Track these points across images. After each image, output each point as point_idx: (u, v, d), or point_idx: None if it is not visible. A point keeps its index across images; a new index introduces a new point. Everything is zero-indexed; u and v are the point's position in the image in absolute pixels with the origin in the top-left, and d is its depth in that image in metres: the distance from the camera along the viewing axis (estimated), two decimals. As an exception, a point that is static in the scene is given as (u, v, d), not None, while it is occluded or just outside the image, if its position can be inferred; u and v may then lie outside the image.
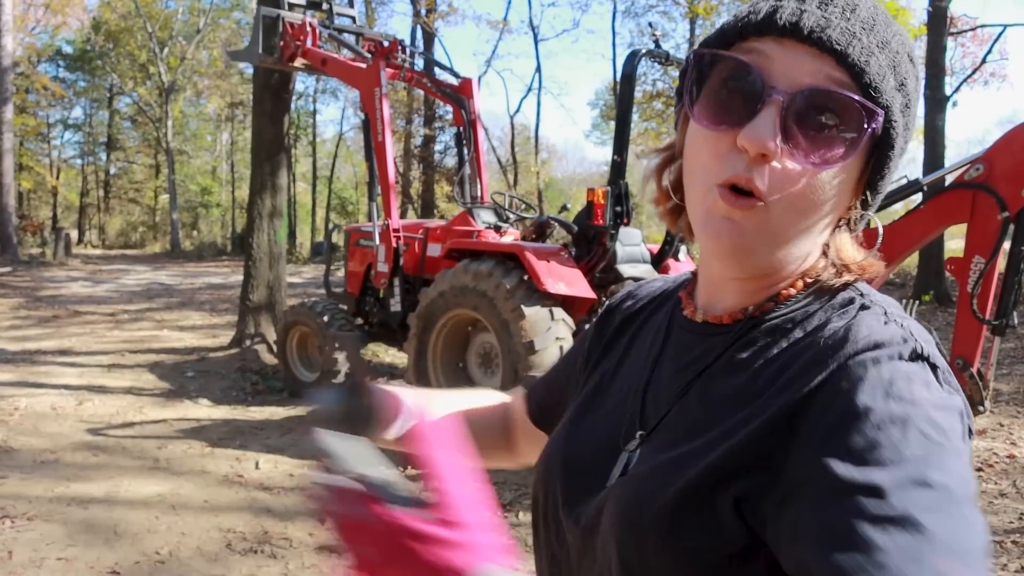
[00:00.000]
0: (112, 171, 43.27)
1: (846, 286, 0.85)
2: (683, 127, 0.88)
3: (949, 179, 4.93)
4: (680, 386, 0.90)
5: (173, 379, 8.84)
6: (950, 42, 19.50)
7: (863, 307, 0.81)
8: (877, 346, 0.75)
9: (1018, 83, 71.68)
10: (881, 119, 0.78)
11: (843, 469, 0.67)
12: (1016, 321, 4.70)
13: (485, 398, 1.33)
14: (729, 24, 0.82)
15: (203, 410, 7.59)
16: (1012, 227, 4.54)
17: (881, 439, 0.68)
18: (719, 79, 0.81)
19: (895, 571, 0.61)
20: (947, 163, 15.20)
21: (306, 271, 25.72)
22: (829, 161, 0.77)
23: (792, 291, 0.86)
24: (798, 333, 0.82)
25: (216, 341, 11.17)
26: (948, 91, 18.32)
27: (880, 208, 0.92)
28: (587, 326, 1.18)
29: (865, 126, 0.77)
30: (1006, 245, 4.63)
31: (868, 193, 0.83)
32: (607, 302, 1.16)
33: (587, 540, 0.89)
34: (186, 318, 14.24)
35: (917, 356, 0.75)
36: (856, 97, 0.77)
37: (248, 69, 34.00)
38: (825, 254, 0.85)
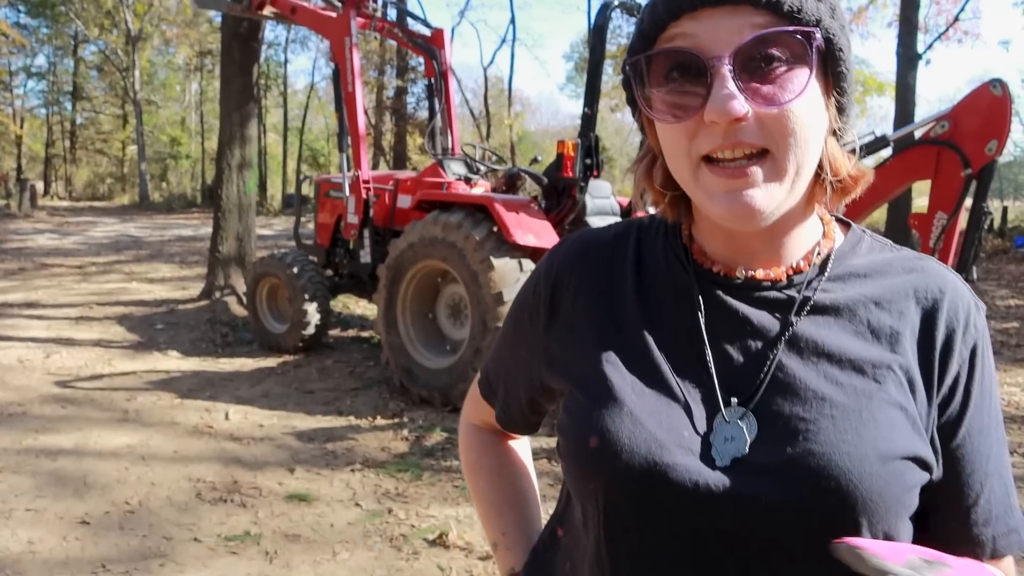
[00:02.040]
0: (78, 121, 42.55)
1: (858, 233, 0.97)
2: (650, 129, 0.91)
3: (918, 135, 4.97)
4: (770, 347, 0.89)
5: (142, 331, 8.79)
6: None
7: (916, 256, 0.95)
8: (970, 299, 0.93)
9: (991, 41, 71.79)
10: (819, 33, 0.80)
11: (981, 388, 0.91)
12: (976, 276, 4.78)
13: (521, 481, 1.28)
14: (646, 23, 0.84)
15: (172, 362, 7.57)
16: (975, 184, 4.60)
17: (990, 367, 0.93)
18: (662, 76, 0.83)
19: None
20: (917, 120, 15.27)
21: (277, 223, 25.54)
22: (797, 90, 0.80)
23: (826, 242, 0.94)
24: (879, 284, 0.92)
25: (186, 293, 11.11)
26: (921, 48, 18.32)
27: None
28: (524, 292, 1.10)
29: (808, 47, 0.80)
30: (968, 202, 4.69)
31: (839, 98, 0.86)
32: (547, 266, 1.07)
33: (771, 522, 0.83)
34: (155, 270, 14.15)
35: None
36: (788, 28, 0.79)
37: (217, 17, 33.41)
38: (820, 179, 0.88)
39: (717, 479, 0.84)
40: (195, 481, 4.68)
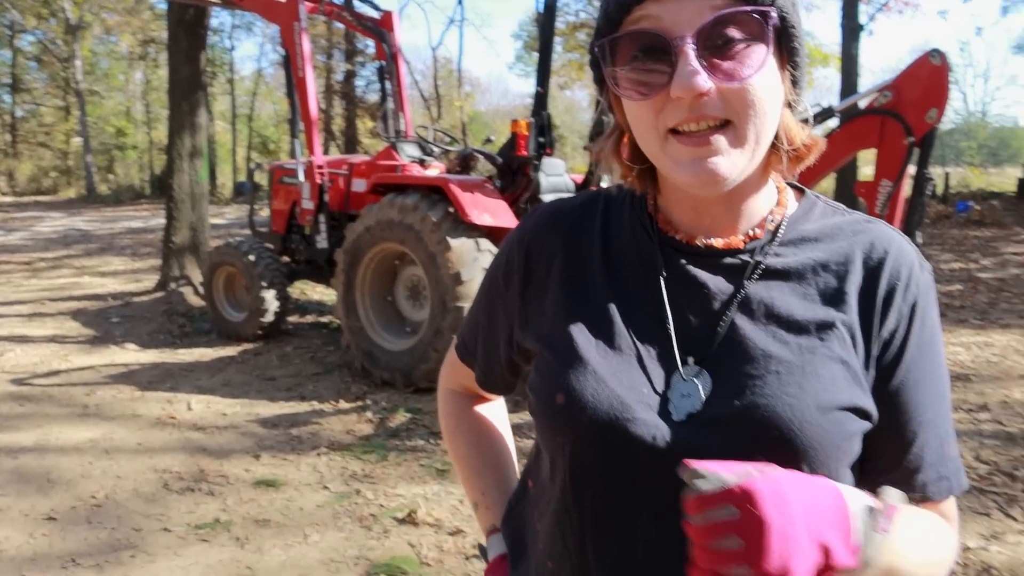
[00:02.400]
0: (19, 114, 41.45)
1: (812, 199, 1.05)
2: (617, 106, 0.97)
3: (862, 106, 5.09)
4: (725, 308, 0.97)
5: (98, 325, 8.70)
6: (865, -32, 19.73)
7: (865, 219, 1.01)
8: (914, 257, 0.99)
9: (930, 12, 72.96)
10: (774, 12, 0.87)
11: (920, 340, 0.97)
12: (921, 240, 4.93)
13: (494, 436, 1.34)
14: (612, 6, 0.90)
15: (131, 355, 7.51)
16: (917, 151, 4.73)
17: (932, 322, 0.99)
18: (629, 56, 0.89)
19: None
20: (861, 90, 15.51)
21: (229, 211, 25.31)
22: (756, 66, 0.87)
23: (779, 209, 1.00)
24: (829, 247, 0.98)
25: (140, 285, 10.99)
26: (864, 19, 18.59)
27: None
28: (499, 259, 1.17)
29: (765, 25, 0.86)
30: (912, 169, 4.83)
31: (794, 71, 0.93)
32: (524, 229, 1.14)
33: None
34: (107, 264, 13.95)
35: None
36: (746, 8, 0.85)
37: (161, 4, 32.76)
38: (776, 148, 0.95)
39: (673, 432, 0.91)
40: (161, 472, 4.69)
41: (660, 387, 0.95)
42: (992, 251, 13.55)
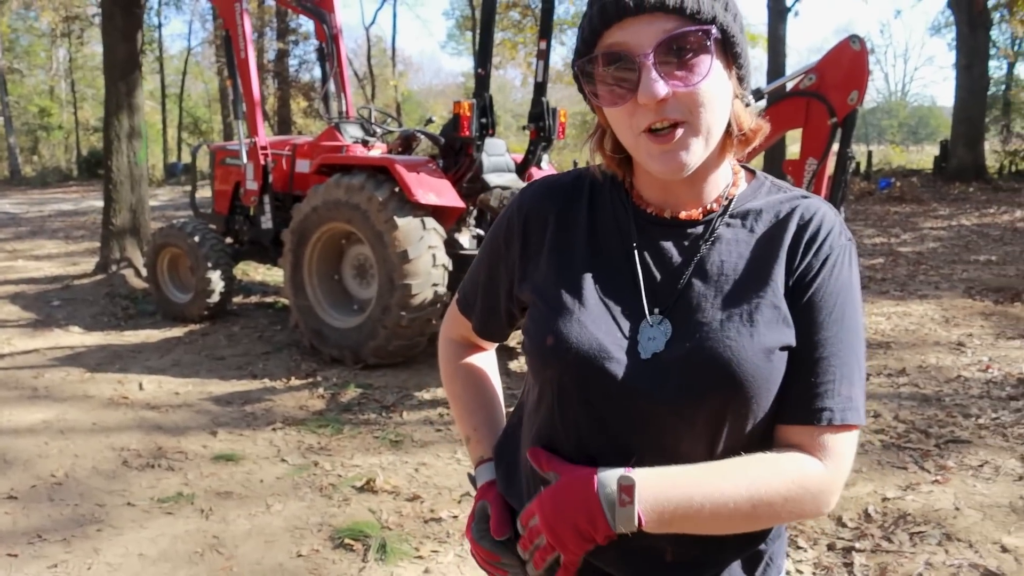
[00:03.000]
0: (-66, 93, 39.99)
1: (762, 179, 1.28)
2: (599, 110, 1.19)
3: (788, 88, 5.37)
4: (684, 268, 1.19)
5: (38, 309, 8.63)
6: (791, -49, 20.18)
7: (802, 195, 1.24)
8: (835, 224, 1.21)
9: (854, -10, 74.59)
10: (715, 28, 1.09)
11: (827, 287, 1.17)
12: (844, 215, 5.24)
13: (486, 385, 1.54)
14: (586, 31, 1.13)
15: (75, 337, 7.50)
16: (840, 131, 5.04)
17: (844, 279, 1.18)
18: (604, 71, 1.11)
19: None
20: (788, 70, 15.96)
21: (161, 193, 24.89)
22: (703, 74, 1.09)
23: (733, 189, 1.24)
24: (769, 217, 1.21)
25: (78, 268, 10.88)
26: (790, 1, 19.05)
27: None
28: (500, 225, 1.38)
29: (707, 40, 1.09)
30: (836, 148, 5.13)
31: (739, 71, 1.17)
32: (519, 203, 1.36)
33: (673, 401, 1.12)
34: (40, 247, 13.72)
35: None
36: (690, 28, 1.08)
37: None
38: (730, 134, 1.19)
39: (641, 368, 1.15)
40: (119, 450, 4.78)
41: (630, 332, 1.18)
42: (912, 226, 14.14)
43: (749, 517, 1.10)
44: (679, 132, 1.10)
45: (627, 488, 1.06)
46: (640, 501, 1.06)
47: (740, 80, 1.17)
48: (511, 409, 1.47)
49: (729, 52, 1.14)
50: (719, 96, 1.12)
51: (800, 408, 1.14)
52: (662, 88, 1.07)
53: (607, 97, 1.13)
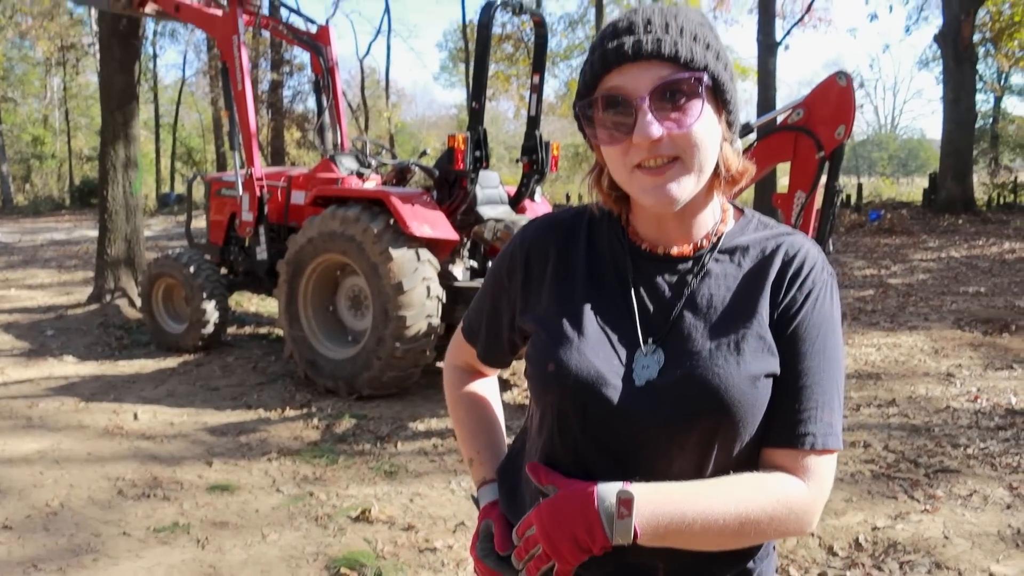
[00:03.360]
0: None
1: (749, 217, 1.35)
2: (596, 149, 1.27)
3: (778, 122, 5.47)
4: (676, 301, 1.27)
5: (32, 338, 8.65)
6: (780, -14, 20.51)
7: (787, 232, 1.31)
8: (818, 260, 1.28)
9: (841, 28, 75.76)
10: (706, 75, 1.18)
11: (810, 319, 1.24)
12: (832, 248, 5.33)
13: (488, 411, 1.60)
14: (587, 75, 1.22)
15: (69, 367, 7.52)
16: (827, 165, 5.13)
17: (825, 312, 1.26)
18: (602, 112, 1.20)
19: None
20: (778, 103, 16.19)
21: (154, 223, 24.90)
22: (695, 117, 1.18)
23: (722, 226, 1.31)
24: (756, 253, 1.29)
25: (71, 298, 10.89)
26: (780, 35, 19.31)
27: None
28: (503, 258, 1.45)
29: (699, 86, 1.18)
30: (824, 181, 5.22)
31: (728, 116, 1.25)
32: (522, 238, 1.43)
33: (666, 425, 1.20)
34: (32, 276, 13.73)
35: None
36: (684, 75, 1.17)
37: (79, 9, 32.09)
38: (717, 174, 1.27)
39: (635, 395, 1.23)
40: (114, 480, 4.80)
41: (626, 361, 1.26)
42: (901, 258, 14.26)
43: (737, 534, 1.16)
44: (672, 168, 1.18)
45: (626, 502, 1.12)
46: (637, 515, 1.12)
47: (729, 124, 1.25)
48: (512, 436, 1.54)
49: (719, 98, 1.22)
50: (709, 138, 1.20)
51: (784, 432, 1.22)
52: (657, 130, 1.15)
53: (605, 137, 1.21)
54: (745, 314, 1.24)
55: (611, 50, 1.17)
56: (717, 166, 1.25)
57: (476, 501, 1.52)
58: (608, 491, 1.14)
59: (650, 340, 1.26)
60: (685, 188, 1.19)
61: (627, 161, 1.19)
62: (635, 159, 1.18)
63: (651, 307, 1.29)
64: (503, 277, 1.45)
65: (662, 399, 1.21)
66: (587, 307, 1.31)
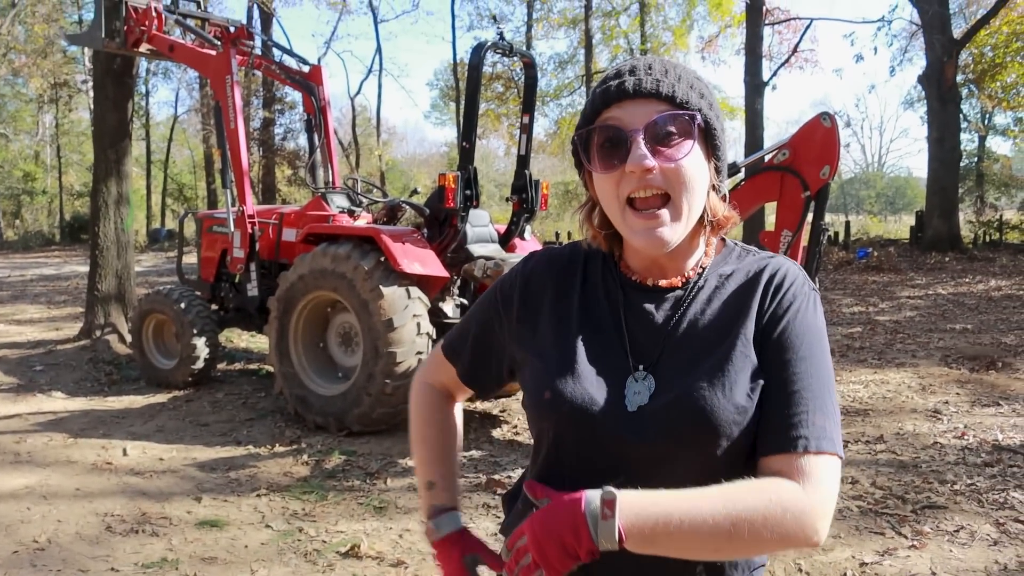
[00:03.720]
0: (-81, 157, 40.08)
1: (731, 246, 1.42)
2: (589, 183, 1.35)
3: (766, 160, 5.56)
4: (665, 329, 1.33)
5: (20, 373, 8.63)
6: (768, 30, 20.84)
7: (768, 256, 1.38)
8: (798, 276, 1.35)
9: (827, 68, 76.91)
10: (699, 116, 1.27)
11: (792, 327, 1.30)
12: (818, 285, 5.38)
13: (442, 427, 1.61)
14: (588, 109, 1.32)
15: (58, 402, 7.50)
16: (813, 204, 5.21)
17: (808, 320, 1.31)
18: (599, 142, 1.28)
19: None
20: (766, 142, 16.37)
21: (144, 259, 24.91)
22: (685, 152, 1.26)
23: (707, 259, 1.38)
24: (739, 278, 1.35)
25: (61, 334, 10.88)
26: (767, 75, 19.58)
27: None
28: (501, 286, 1.51)
29: (692, 125, 1.26)
30: (810, 219, 5.30)
31: (717, 162, 1.33)
32: (521, 270, 1.49)
33: (658, 447, 1.25)
34: (21, 311, 13.72)
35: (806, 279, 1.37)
36: (679, 112, 1.26)
37: (72, 48, 32.30)
38: (702, 220, 1.34)
39: (627, 419, 1.28)
40: (103, 515, 4.78)
41: (618, 387, 1.31)
42: (889, 295, 14.37)
43: (731, 536, 1.13)
44: (663, 211, 1.25)
45: (609, 502, 1.15)
46: (621, 515, 1.12)
47: (717, 171, 1.33)
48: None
49: (709, 142, 1.30)
50: (698, 178, 1.28)
51: (777, 438, 1.23)
52: (648, 160, 1.23)
53: (600, 165, 1.29)
54: (731, 336, 1.30)
55: (613, 87, 1.27)
56: (704, 212, 1.32)
57: (435, 530, 1.50)
58: (594, 494, 1.17)
59: (640, 367, 1.32)
60: (675, 231, 1.26)
61: (620, 193, 1.27)
62: (626, 190, 1.26)
63: (641, 335, 1.34)
64: (497, 304, 1.50)
65: (653, 423, 1.26)
66: (581, 337, 1.37)
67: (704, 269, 1.38)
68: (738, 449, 1.26)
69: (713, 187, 1.33)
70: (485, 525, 4.58)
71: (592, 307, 1.41)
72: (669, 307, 1.35)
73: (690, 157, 1.25)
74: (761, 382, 1.27)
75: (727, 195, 1.38)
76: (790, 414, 1.23)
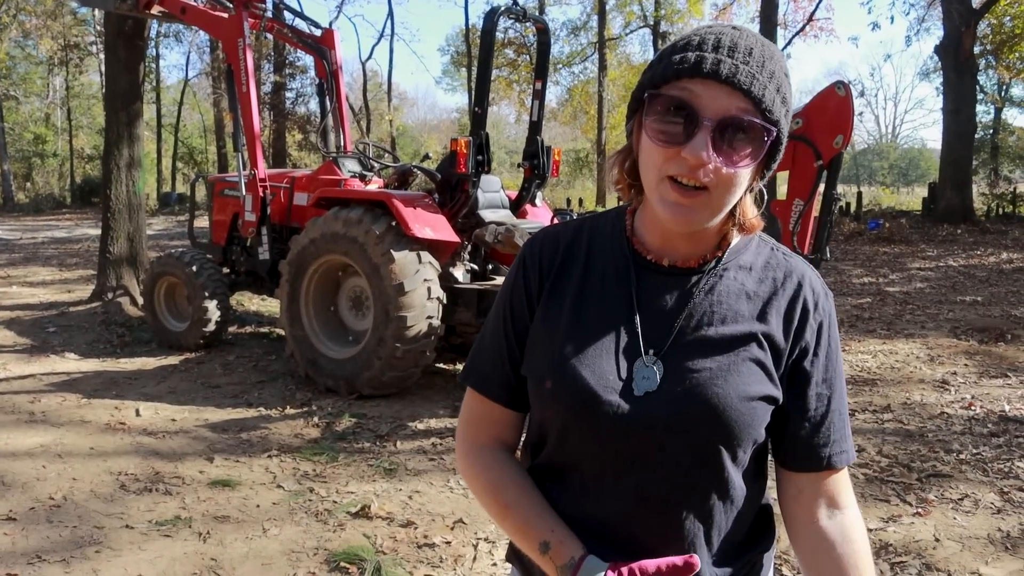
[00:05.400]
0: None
1: (752, 236, 1.34)
2: (636, 135, 1.25)
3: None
4: (678, 313, 1.28)
5: (34, 335, 8.71)
6: (782, -4, 20.59)
7: (786, 255, 1.35)
8: (820, 288, 1.34)
9: (843, 36, 75.94)
10: (775, 131, 1.19)
11: (826, 350, 1.32)
12: (829, 255, 5.40)
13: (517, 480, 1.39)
14: (670, 68, 1.18)
15: (71, 363, 7.58)
16: (825, 173, 5.20)
17: (834, 336, 1.35)
18: (664, 110, 1.17)
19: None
20: (779, 110, 16.19)
21: (155, 222, 24.96)
22: (745, 163, 1.18)
23: (727, 242, 1.32)
24: (760, 275, 1.32)
25: (73, 296, 10.96)
26: (782, 43, 19.39)
27: None
28: (508, 290, 1.41)
29: (765, 138, 1.18)
30: (822, 189, 5.29)
31: (765, 171, 1.26)
32: (528, 249, 1.41)
33: (662, 435, 1.23)
34: (34, 274, 13.80)
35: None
36: (758, 121, 1.16)
37: (82, 9, 32.18)
38: (732, 214, 1.27)
39: (633, 406, 1.24)
40: (117, 474, 4.85)
41: (626, 371, 1.27)
42: (900, 266, 14.33)
43: None
44: (700, 196, 1.18)
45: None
46: None
47: (762, 176, 1.26)
48: None
49: (770, 152, 1.21)
50: (743, 183, 1.20)
51: (826, 457, 1.32)
52: (708, 155, 1.14)
53: (656, 134, 1.18)
54: (747, 336, 1.27)
55: (708, 61, 1.15)
56: (734, 208, 1.26)
57: None
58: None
59: (651, 351, 1.27)
60: (702, 218, 1.20)
61: (663, 168, 1.18)
62: (671, 170, 1.17)
63: (653, 318, 1.29)
64: (511, 303, 1.41)
65: (659, 411, 1.23)
66: (588, 318, 1.31)
67: (722, 255, 1.32)
68: (739, 447, 1.26)
69: (751, 188, 1.26)
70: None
71: (601, 285, 1.33)
72: (684, 291, 1.29)
73: (746, 167, 1.17)
74: (772, 392, 1.27)
75: (763, 192, 1.31)
76: (833, 430, 1.32)
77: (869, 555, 1.29)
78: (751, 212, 1.29)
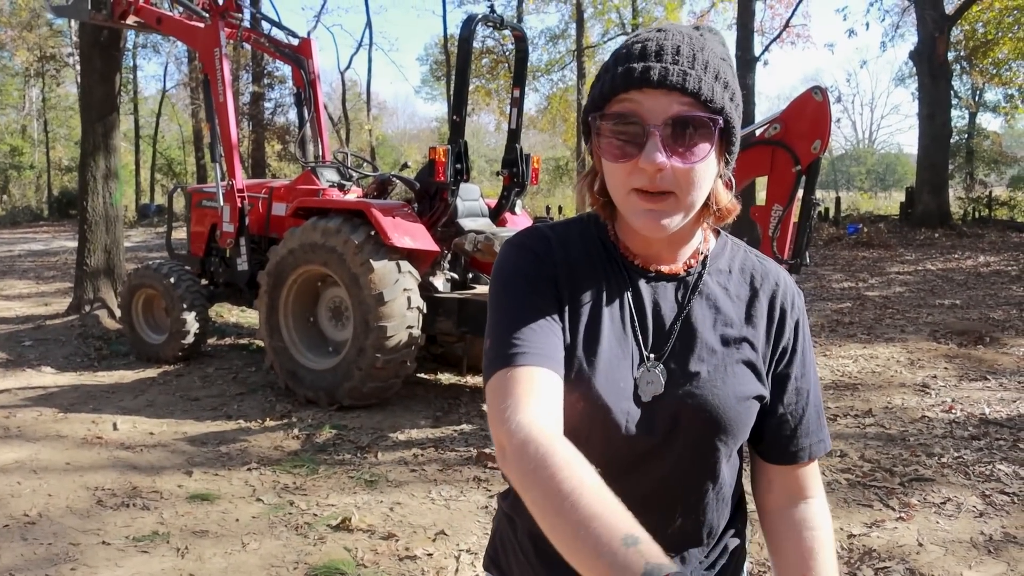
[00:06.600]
0: (-96, 131, 39.72)
1: (724, 238, 1.40)
2: (597, 155, 1.25)
3: (757, 134, 5.54)
4: (672, 318, 1.31)
5: (9, 349, 8.59)
6: (760, 4, 20.76)
7: (758, 257, 1.39)
8: (793, 288, 1.39)
9: (819, 43, 76.58)
10: (721, 119, 1.19)
11: (803, 346, 1.37)
12: (808, 260, 5.40)
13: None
14: (606, 86, 1.20)
15: (47, 378, 7.48)
16: (804, 178, 5.20)
17: (808, 332, 1.40)
18: (612, 128, 1.19)
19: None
20: (758, 117, 16.34)
21: (133, 234, 24.78)
22: (701, 156, 1.19)
23: (704, 246, 1.35)
24: (739, 278, 1.36)
25: (49, 309, 10.84)
26: (759, 50, 19.50)
27: None
28: (528, 266, 1.30)
29: (713, 126, 1.19)
30: (801, 194, 5.29)
31: (727, 156, 1.26)
32: (541, 246, 1.33)
33: (667, 438, 1.26)
34: (10, 287, 13.65)
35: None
36: (701, 114, 1.17)
37: (59, 20, 31.95)
38: (707, 205, 1.28)
39: (642, 410, 1.27)
40: (93, 489, 4.78)
41: (633, 376, 1.27)
42: (879, 271, 14.42)
43: None
44: (667, 199, 1.19)
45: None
46: None
47: (726, 163, 1.27)
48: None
49: (724, 139, 1.23)
50: (707, 176, 1.21)
51: (805, 448, 1.38)
52: (663, 158, 1.15)
53: (610, 152, 1.20)
54: (737, 338, 1.32)
55: (637, 71, 1.16)
56: (708, 199, 1.26)
57: None
58: None
59: (651, 356, 1.29)
60: (674, 220, 1.21)
61: (627, 182, 1.19)
62: (635, 183, 1.18)
63: (650, 323, 1.31)
64: (543, 285, 1.30)
65: (664, 414, 1.27)
66: (590, 324, 1.29)
67: (703, 258, 1.35)
68: (734, 443, 1.32)
69: (720, 176, 1.27)
70: (476, 498, 4.60)
71: (597, 291, 1.31)
72: (673, 296, 1.32)
73: (704, 161, 1.18)
74: (760, 391, 1.32)
75: (732, 180, 1.31)
76: (809, 422, 1.38)
77: (832, 540, 1.38)
78: (725, 198, 1.29)
